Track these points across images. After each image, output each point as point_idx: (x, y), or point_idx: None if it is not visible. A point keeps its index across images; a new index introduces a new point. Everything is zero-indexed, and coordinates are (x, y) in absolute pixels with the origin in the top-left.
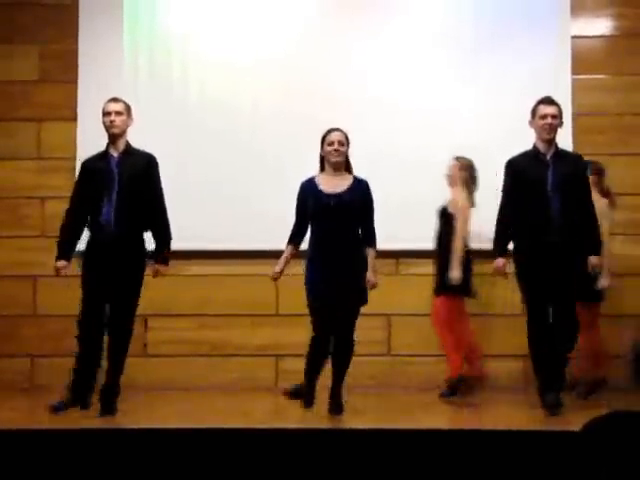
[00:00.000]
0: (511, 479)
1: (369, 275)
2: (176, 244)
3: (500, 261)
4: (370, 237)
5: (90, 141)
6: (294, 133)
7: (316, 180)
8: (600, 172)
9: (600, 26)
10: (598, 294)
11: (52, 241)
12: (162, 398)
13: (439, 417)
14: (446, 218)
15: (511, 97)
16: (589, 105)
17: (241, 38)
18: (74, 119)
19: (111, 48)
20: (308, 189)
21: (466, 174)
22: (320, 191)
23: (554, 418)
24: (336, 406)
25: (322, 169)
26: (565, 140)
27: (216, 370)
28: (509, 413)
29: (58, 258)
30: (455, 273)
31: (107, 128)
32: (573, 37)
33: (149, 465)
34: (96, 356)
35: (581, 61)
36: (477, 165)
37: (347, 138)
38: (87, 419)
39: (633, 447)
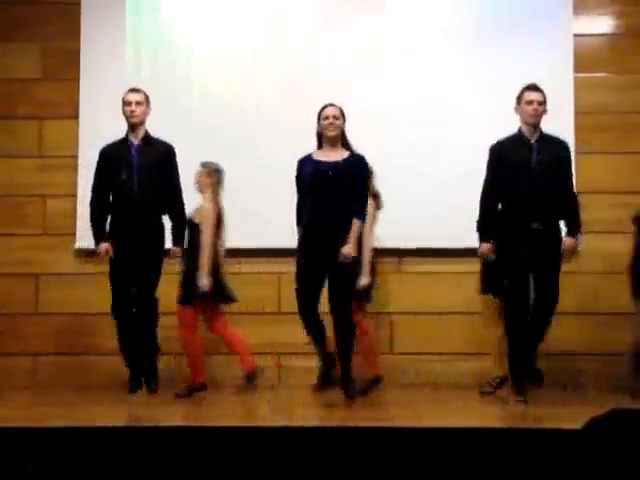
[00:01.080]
0: (512, 477)
1: (345, 247)
2: None
3: (485, 245)
4: (358, 208)
5: (92, 139)
6: (298, 129)
7: (313, 154)
8: None
9: (603, 24)
10: (362, 293)
11: (54, 239)
12: (163, 396)
13: (442, 416)
14: None
15: (513, 95)
16: (591, 103)
17: (244, 35)
18: (76, 117)
19: (113, 46)
20: (305, 162)
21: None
22: (316, 160)
23: (556, 416)
24: (348, 391)
25: (319, 146)
26: (567, 138)
27: (218, 368)
28: (508, 410)
29: (99, 242)
30: None
31: (127, 118)
32: (575, 35)
33: (152, 463)
34: (138, 340)
35: (583, 59)
36: (478, 161)
37: (342, 112)
38: (89, 417)
39: (634, 445)
